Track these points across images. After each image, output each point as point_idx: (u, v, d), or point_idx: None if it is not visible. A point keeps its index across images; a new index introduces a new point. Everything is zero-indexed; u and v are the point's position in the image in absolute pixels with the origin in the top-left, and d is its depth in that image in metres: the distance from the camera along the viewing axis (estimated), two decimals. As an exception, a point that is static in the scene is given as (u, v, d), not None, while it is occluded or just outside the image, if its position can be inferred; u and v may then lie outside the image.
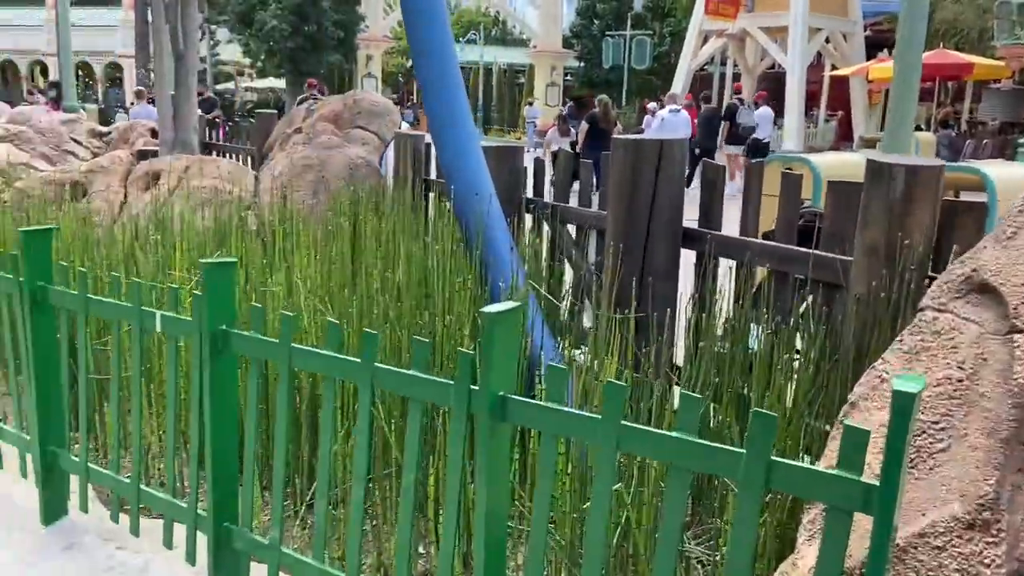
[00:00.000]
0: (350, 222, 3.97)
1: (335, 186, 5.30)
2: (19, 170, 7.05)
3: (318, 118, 6.93)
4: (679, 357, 3.01)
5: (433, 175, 4.88)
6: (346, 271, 3.10)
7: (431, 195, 4.68)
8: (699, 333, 2.74)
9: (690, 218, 3.11)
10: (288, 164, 5.79)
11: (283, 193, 5.20)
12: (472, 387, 1.66)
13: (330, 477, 2.03)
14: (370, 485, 2.65)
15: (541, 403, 1.61)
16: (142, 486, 2.42)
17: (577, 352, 3.17)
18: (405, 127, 7.96)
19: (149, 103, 12.14)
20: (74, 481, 2.67)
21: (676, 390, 2.83)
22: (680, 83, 20.06)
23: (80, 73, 31.87)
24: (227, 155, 8.37)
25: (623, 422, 1.50)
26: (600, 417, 1.52)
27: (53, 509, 2.66)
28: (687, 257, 3.13)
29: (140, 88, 14.31)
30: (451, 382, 1.70)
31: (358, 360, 1.85)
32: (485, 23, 36.79)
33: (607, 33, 27.77)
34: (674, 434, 1.43)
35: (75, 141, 9.30)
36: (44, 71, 34.94)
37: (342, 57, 29.43)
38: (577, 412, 1.57)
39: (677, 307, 3.08)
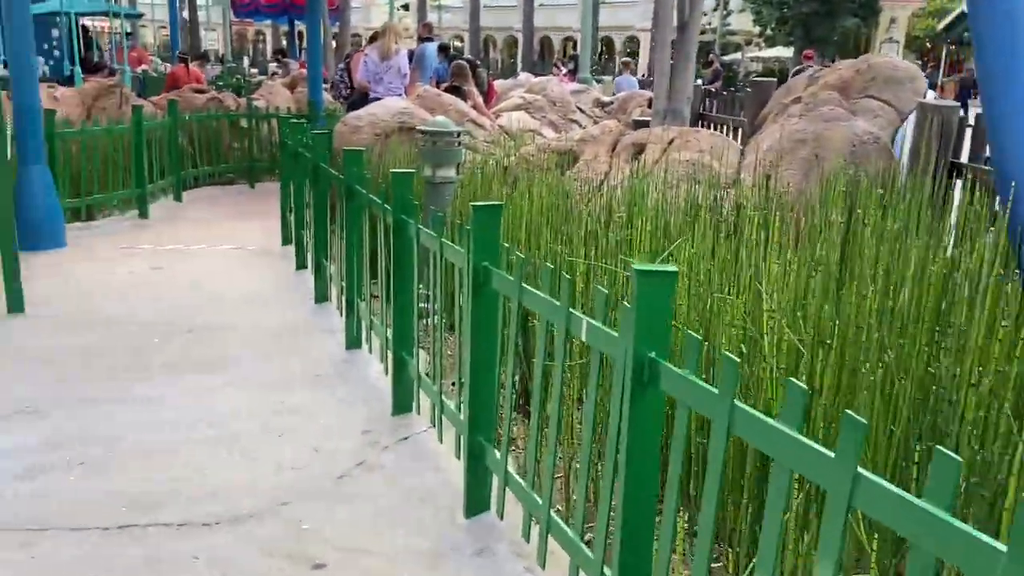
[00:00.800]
0: (843, 216, 3.17)
1: (832, 167, 4.47)
2: (528, 137, 7.57)
3: (822, 86, 6.05)
4: None
5: (965, 158, 3.76)
6: (830, 284, 2.37)
7: (959, 185, 3.60)
8: None
9: None
10: (778, 138, 5.10)
11: (768, 172, 4.55)
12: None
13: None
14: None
15: None
16: (553, 513, 2.09)
17: None
18: (931, 96, 6.59)
19: (633, 74, 12.36)
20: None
21: None
22: None
23: (602, 47, 34.73)
24: (717, 126, 7.96)
25: None
26: None
27: (476, 502, 2.51)
28: None
29: (627, 60, 14.76)
30: (1003, 548, 0.94)
31: (829, 454, 1.19)
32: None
33: None
34: None
35: (580, 110, 9.82)
36: (574, 46, 38.92)
37: (860, 21, 26.99)
38: None
39: None
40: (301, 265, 5.49)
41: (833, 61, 24.79)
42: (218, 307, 4.66)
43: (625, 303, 1.66)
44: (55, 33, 15.57)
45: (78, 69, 12.46)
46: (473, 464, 2.49)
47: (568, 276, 2.00)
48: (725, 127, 7.65)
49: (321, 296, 4.78)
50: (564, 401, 2.13)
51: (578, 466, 2.55)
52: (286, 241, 6.11)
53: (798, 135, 4.98)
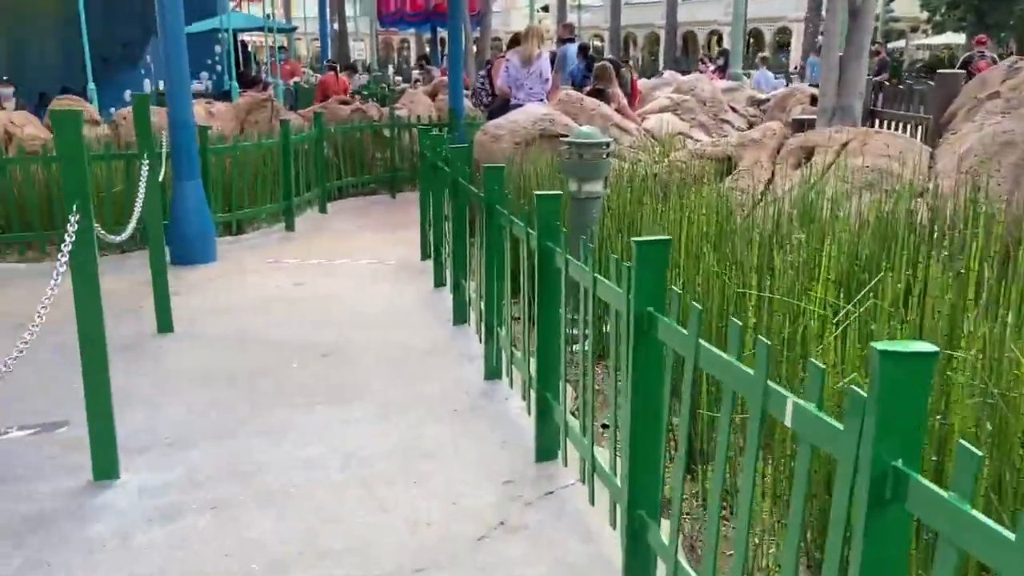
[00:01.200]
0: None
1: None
2: (676, 141, 7.07)
3: (1028, 76, 5.23)
4: None
5: None
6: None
7: None
8: None
9: None
10: (979, 139, 4.41)
11: (972, 179, 3.89)
12: None
13: None
14: None
15: None
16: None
17: None
18: None
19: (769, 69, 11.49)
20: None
21: None
22: None
23: (750, 40, 33.23)
24: (894, 125, 7.15)
25: None
26: None
27: (635, 585, 2.14)
28: None
29: (764, 55, 13.81)
30: None
31: None
32: None
33: None
34: None
35: (732, 109, 9.17)
36: (719, 40, 37.54)
37: (1042, 1, 24.34)
38: None
39: None
40: (439, 282, 5.29)
41: (1008, 48, 22.41)
42: (355, 328, 4.52)
43: (856, 388, 1.24)
44: (217, 49, 16.40)
45: (235, 84, 13.00)
46: (633, 543, 2.12)
47: (757, 332, 1.60)
48: (904, 126, 6.85)
49: (460, 317, 4.54)
50: (753, 491, 1.71)
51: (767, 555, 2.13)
52: (425, 256, 5.94)
53: (1004, 136, 4.27)
